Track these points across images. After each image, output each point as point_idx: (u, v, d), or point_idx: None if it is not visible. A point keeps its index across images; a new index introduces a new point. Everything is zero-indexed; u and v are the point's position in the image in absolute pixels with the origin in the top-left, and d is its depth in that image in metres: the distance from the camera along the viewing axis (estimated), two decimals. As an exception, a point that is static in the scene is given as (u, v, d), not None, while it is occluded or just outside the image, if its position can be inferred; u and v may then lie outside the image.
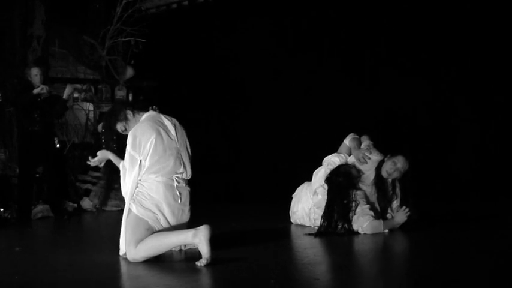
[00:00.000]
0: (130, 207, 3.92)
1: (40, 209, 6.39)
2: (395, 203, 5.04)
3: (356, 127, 5.54)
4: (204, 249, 3.66)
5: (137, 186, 3.94)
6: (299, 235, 5.13)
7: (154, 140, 3.89)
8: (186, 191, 4.03)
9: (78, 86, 7.87)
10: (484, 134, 7.37)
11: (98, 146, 7.73)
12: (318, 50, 7.90)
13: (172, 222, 3.93)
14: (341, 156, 5.25)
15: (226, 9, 8.12)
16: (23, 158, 6.42)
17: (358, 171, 5.07)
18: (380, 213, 4.99)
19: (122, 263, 3.86)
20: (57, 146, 6.76)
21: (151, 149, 3.88)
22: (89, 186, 7.25)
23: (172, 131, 4.04)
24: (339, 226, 4.82)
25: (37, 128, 6.34)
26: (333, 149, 5.44)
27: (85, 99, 7.94)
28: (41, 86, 6.22)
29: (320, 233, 4.77)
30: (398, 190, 5.04)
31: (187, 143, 4.13)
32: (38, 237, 5.54)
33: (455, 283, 3.22)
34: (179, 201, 3.95)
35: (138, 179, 3.94)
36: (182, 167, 4.02)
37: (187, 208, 4.02)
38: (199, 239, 3.67)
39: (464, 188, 7.25)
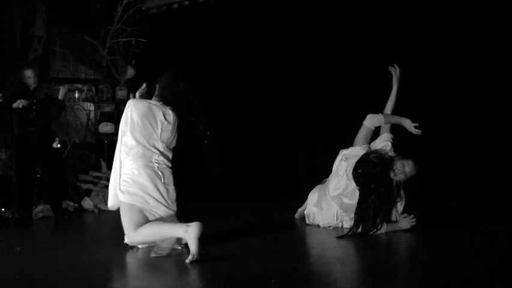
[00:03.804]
0: (120, 197, 4.17)
1: (41, 209, 6.38)
2: (400, 205, 4.99)
3: (357, 127, 5.50)
4: (192, 246, 3.80)
5: (121, 176, 4.19)
6: (300, 235, 5.13)
7: (139, 115, 4.15)
8: (167, 171, 4.24)
9: (79, 85, 7.86)
10: (488, 134, 7.38)
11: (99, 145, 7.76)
12: (319, 50, 7.90)
13: (160, 199, 4.15)
14: (363, 147, 5.13)
15: (227, 9, 8.12)
16: (20, 158, 6.42)
17: (386, 153, 4.99)
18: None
19: (123, 263, 3.87)
20: (58, 146, 6.75)
21: (130, 121, 4.16)
22: (89, 186, 7.24)
23: (159, 125, 4.21)
24: (377, 221, 4.70)
25: (34, 129, 6.34)
26: (333, 147, 5.42)
27: (86, 99, 7.93)
28: (18, 101, 6.22)
29: (354, 233, 4.66)
30: (402, 192, 4.99)
31: (175, 129, 4.30)
32: (38, 237, 5.54)
33: (456, 283, 3.22)
34: (162, 180, 4.17)
35: (122, 166, 4.19)
36: (160, 155, 4.20)
37: (171, 187, 4.23)
38: (188, 235, 3.83)
39: (467, 188, 7.25)
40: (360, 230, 4.71)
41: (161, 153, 4.22)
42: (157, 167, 4.16)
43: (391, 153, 5.07)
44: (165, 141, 4.26)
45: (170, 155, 4.31)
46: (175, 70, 4.41)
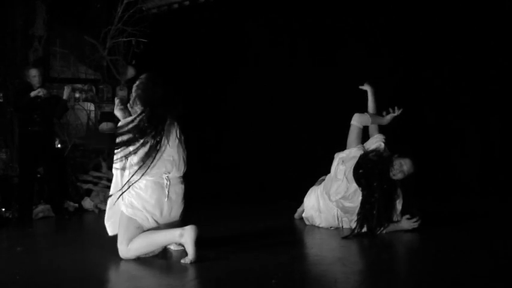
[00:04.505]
0: (122, 208, 3.99)
1: (41, 209, 6.39)
2: (399, 203, 4.99)
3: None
4: (190, 249, 3.75)
5: (128, 187, 3.97)
6: (300, 235, 5.13)
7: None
8: (178, 188, 4.05)
9: (79, 86, 7.87)
10: (488, 134, 7.38)
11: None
12: (320, 50, 7.90)
13: (161, 220, 3.99)
14: (358, 147, 5.14)
15: (227, 9, 8.12)
16: (23, 158, 6.43)
17: (384, 150, 5.00)
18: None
19: (123, 263, 3.87)
20: (58, 146, 6.76)
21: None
22: (90, 186, 7.25)
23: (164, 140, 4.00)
24: (382, 220, 4.70)
25: (37, 129, 6.34)
26: (334, 147, 5.41)
27: (86, 99, 7.94)
28: (39, 89, 6.24)
29: (358, 233, 4.67)
30: (399, 191, 5.00)
31: (180, 141, 4.09)
32: (39, 237, 5.55)
33: (456, 283, 3.22)
34: (165, 199, 3.98)
35: (129, 179, 3.96)
36: (172, 166, 4.02)
37: (177, 205, 4.04)
38: (185, 239, 3.76)
39: (466, 187, 7.25)
40: (364, 230, 4.71)
41: (174, 165, 4.02)
42: (167, 184, 3.97)
43: (386, 154, 5.07)
44: (175, 148, 4.05)
45: (183, 165, 4.09)
46: (149, 74, 4.11)
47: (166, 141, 4.00)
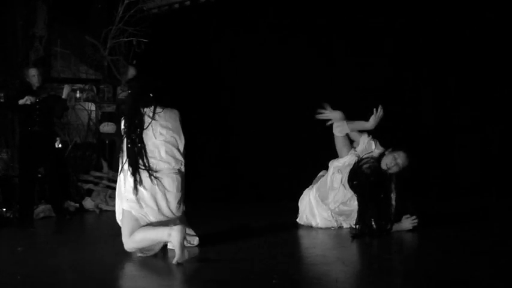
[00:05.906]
0: (123, 204, 4.10)
1: (42, 209, 6.40)
2: (393, 195, 4.98)
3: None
4: (176, 250, 3.75)
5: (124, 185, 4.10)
6: (301, 235, 5.13)
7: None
8: (172, 180, 4.09)
9: (80, 85, 7.89)
10: (487, 134, 7.37)
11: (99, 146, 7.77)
12: (322, 51, 7.89)
13: (159, 214, 4.03)
14: (351, 153, 5.15)
15: (227, 9, 8.12)
16: (23, 158, 6.43)
17: (377, 160, 4.99)
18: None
19: (124, 263, 3.88)
20: (59, 146, 6.76)
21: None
22: (91, 186, 7.26)
23: (149, 131, 4.11)
24: (383, 224, 4.75)
25: (37, 128, 6.34)
26: (333, 146, 5.42)
27: (87, 99, 7.96)
28: (26, 97, 6.23)
29: (359, 235, 4.70)
30: (393, 185, 4.99)
31: (178, 134, 4.18)
32: (40, 237, 5.55)
33: (455, 283, 3.22)
34: (158, 186, 4.02)
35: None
36: (160, 161, 4.09)
37: (172, 197, 4.08)
38: (172, 238, 3.78)
39: (466, 188, 7.25)
40: (362, 232, 4.74)
41: (161, 158, 4.10)
42: (160, 177, 4.04)
43: (378, 149, 5.07)
44: (170, 142, 4.14)
45: (177, 157, 4.15)
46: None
47: (151, 133, 4.10)
